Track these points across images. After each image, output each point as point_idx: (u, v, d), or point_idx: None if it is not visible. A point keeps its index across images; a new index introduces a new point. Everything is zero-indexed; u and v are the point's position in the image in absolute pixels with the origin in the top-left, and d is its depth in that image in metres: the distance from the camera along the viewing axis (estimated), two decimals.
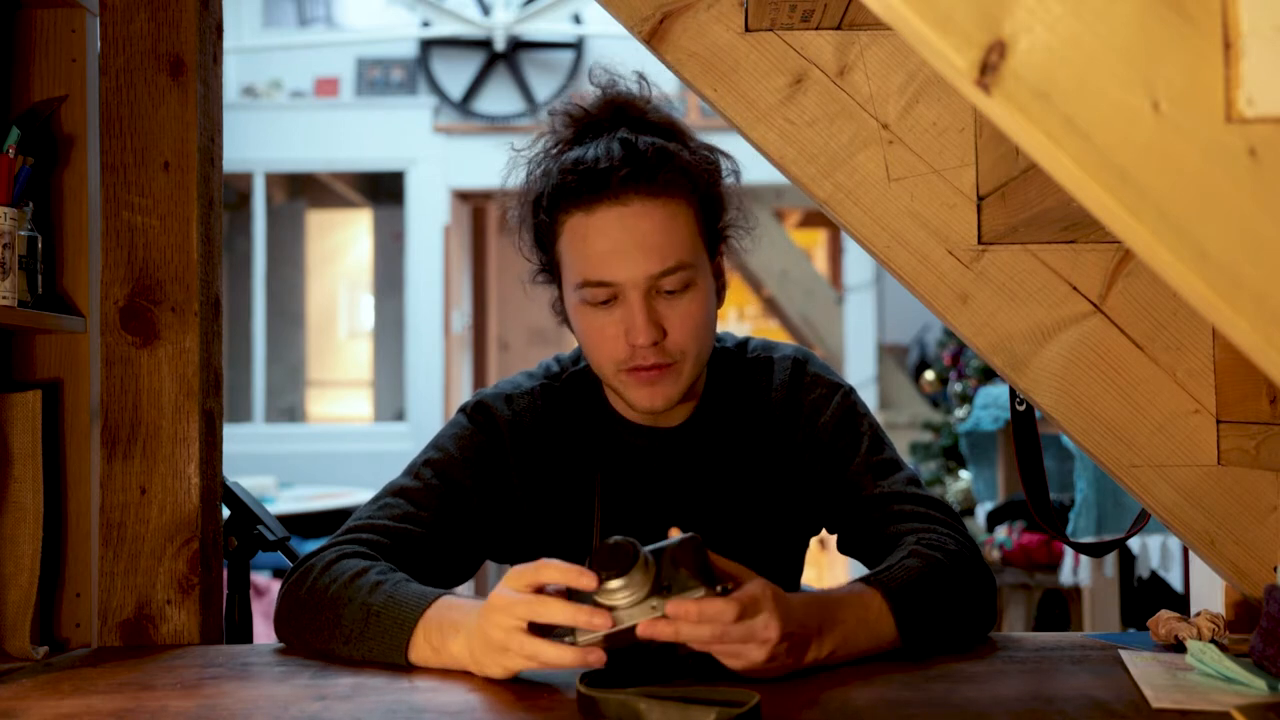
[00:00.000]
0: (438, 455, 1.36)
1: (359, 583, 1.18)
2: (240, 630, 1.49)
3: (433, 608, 1.14)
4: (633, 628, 0.99)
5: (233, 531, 1.50)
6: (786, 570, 1.43)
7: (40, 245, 1.45)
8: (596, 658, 1.01)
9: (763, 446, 1.39)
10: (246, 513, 1.50)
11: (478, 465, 1.35)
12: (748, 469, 1.39)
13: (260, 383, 7.45)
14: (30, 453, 1.39)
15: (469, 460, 1.35)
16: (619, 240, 1.25)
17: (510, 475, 1.37)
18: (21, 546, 1.38)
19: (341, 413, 8.72)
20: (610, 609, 1.00)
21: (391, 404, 8.12)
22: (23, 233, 1.41)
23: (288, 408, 8.17)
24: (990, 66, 0.61)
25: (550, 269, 1.36)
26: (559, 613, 1.01)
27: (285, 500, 5.04)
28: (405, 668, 1.14)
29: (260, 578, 4.57)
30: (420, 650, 1.13)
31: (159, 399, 1.40)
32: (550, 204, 1.29)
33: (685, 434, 1.38)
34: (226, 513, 1.50)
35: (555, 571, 1.03)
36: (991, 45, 0.61)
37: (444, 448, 1.36)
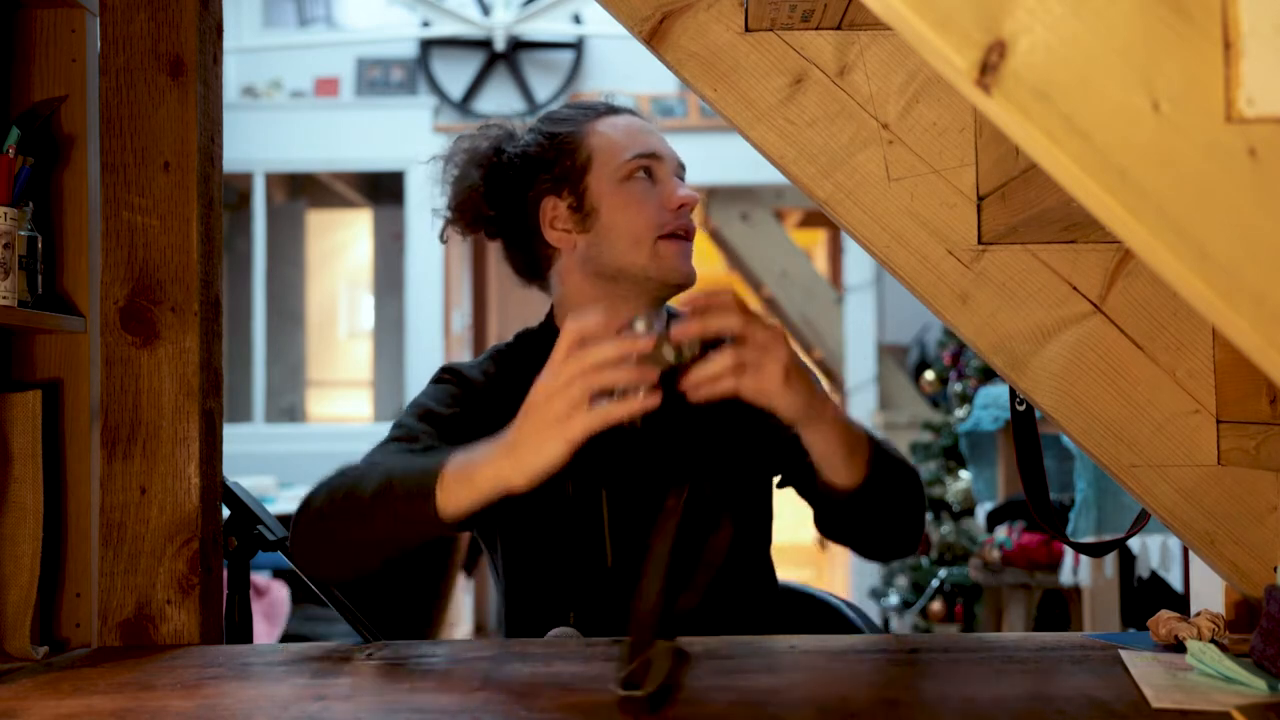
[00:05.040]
0: (416, 409, 1.42)
1: (372, 468, 1.22)
2: (240, 630, 1.49)
3: (450, 459, 1.14)
4: (670, 365, 1.11)
5: (233, 531, 1.50)
6: (758, 502, 1.51)
7: (40, 245, 1.45)
8: (655, 401, 1.08)
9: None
10: (246, 513, 1.50)
11: (457, 404, 1.42)
12: (711, 410, 1.41)
13: (260, 383, 7.45)
14: (30, 453, 1.39)
15: (447, 404, 1.42)
16: (650, 130, 1.50)
17: (485, 418, 1.37)
18: (21, 546, 1.38)
19: (341, 413, 8.72)
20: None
21: (391, 404, 8.11)
22: (23, 233, 1.40)
23: (288, 408, 8.17)
24: (990, 66, 0.61)
25: (564, 177, 1.45)
26: (616, 375, 1.07)
27: (285, 500, 5.03)
28: (433, 521, 1.12)
29: (260, 578, 4.56)
30: (450, 491, 1.12)
31: (159, 399, 1.40)
32: (567, 120, 1.48)
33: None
34: (226, 513, 1.50)
35: (606, 346, 1.08)
36: (991, 45, 0.61)
37: (420, 402, 1.43)
